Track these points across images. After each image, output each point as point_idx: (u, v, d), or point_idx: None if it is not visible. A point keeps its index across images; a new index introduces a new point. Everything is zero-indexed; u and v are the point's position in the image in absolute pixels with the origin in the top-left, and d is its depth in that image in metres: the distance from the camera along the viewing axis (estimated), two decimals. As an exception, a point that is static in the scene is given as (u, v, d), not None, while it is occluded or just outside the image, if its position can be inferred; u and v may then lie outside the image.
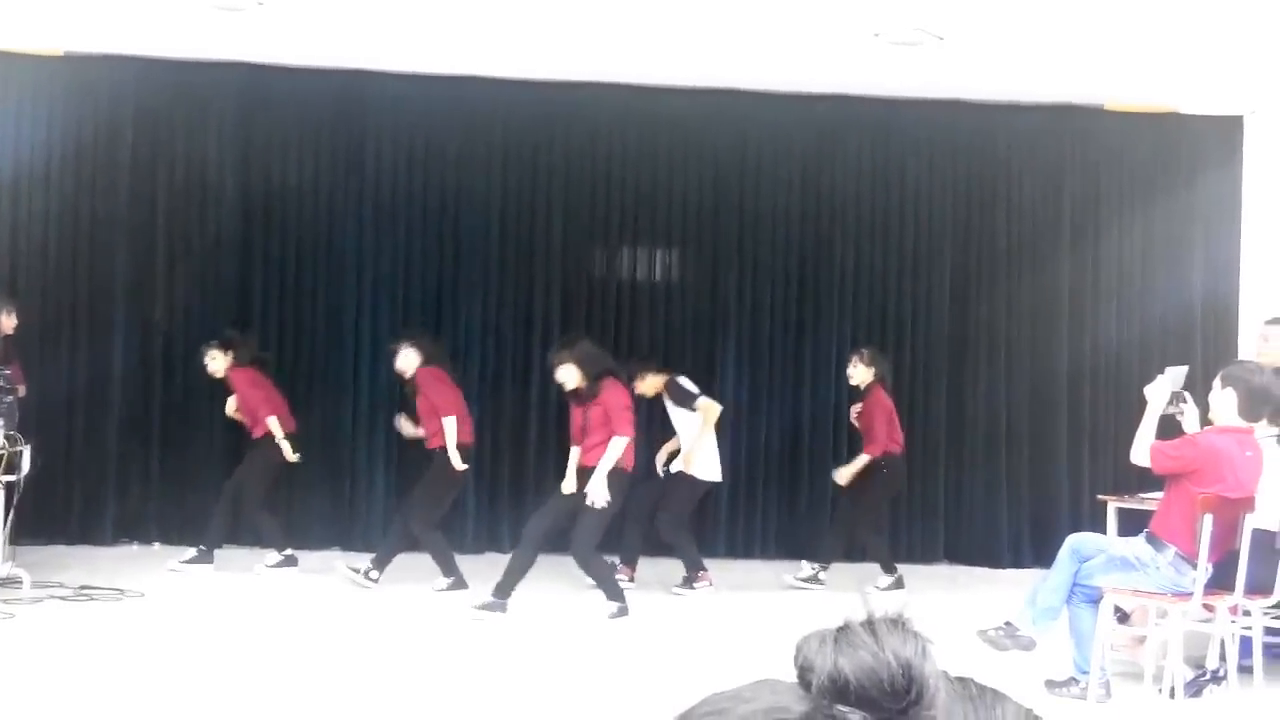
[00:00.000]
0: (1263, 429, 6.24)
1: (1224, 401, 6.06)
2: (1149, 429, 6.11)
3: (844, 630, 0.81)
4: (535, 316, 9.83)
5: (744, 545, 9.90)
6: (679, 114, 9.78)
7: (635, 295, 10.01)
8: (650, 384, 8.59)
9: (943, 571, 9.74)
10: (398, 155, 9.80)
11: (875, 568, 8.79)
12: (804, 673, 0.80)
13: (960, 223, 10.14)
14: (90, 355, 9.47)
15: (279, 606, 7.71)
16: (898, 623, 0.82)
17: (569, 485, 7.56)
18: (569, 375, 7.62)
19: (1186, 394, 6.36)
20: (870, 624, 0.81)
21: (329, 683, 5.99)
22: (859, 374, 8.76)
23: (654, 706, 5.23)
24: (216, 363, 8.68)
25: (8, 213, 9.46)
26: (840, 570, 8.85)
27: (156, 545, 9.33)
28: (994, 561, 9.89)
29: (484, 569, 8.15)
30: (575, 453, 7.69)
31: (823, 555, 8.90)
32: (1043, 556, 9.45)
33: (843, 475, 8.81)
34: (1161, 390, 6.19)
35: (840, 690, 0.78)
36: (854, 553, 9.04)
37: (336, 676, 6.11)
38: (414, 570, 8.29)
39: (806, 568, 8.86)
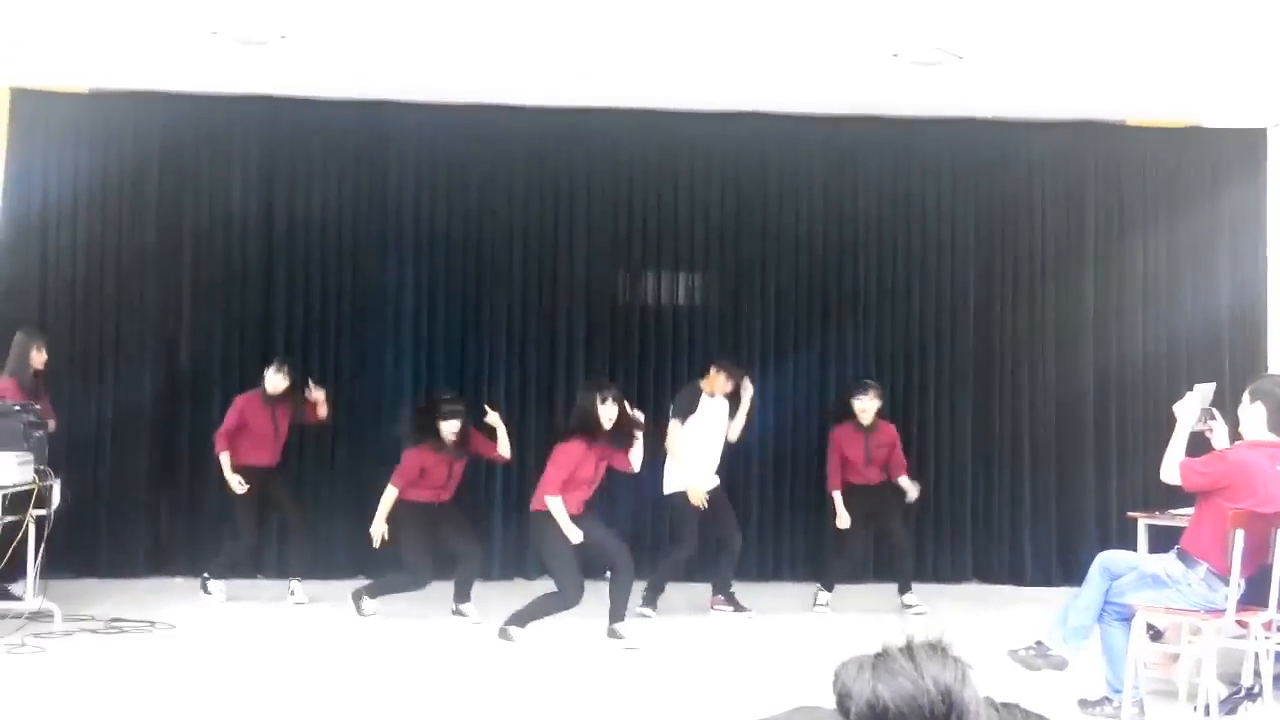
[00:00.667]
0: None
1: (1253, 416, 6.02)
2: (1179, 446, 6.07)
3: (882, 656, 0.81)
4: (559, 341, 9.85)
5: (774, 568, 9.87)
6: (700, 137, 9.81)
7: (659, 319, 10.01)
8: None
9: (972, 591, 9.68)
10: (420, 184, 9.86)
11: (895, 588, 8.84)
12: (843, 699, 0.80)
13: (983, 241, 10.12)
14: (119, 389, 9.53)
15: (309, 637, 7.72)
16: (937, 648, 0.82)
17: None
18: None
19: (1216, 411, 6.32)
20: (909, 650, 0.81)
21: (359, 713, 5.99)
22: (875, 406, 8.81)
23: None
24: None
25: (36, 248, 9.54)
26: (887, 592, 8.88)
27: (179, 580, 9.35)
28: (1022, 580, 9.84)
29: (512, 595, 8.20)
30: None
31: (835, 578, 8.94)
32: (1071, 574, 9.40)
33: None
34: (1191, 407, 6.15)
35: (879, 716, 0.78)
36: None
37: (367, 706, 6.11)
38: (438, 599, 8.30)
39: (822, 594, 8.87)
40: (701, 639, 7.84)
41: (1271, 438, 5.98)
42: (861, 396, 8.79)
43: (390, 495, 8.07)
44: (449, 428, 8.20)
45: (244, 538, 8.78)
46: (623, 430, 7.43)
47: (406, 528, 8.12)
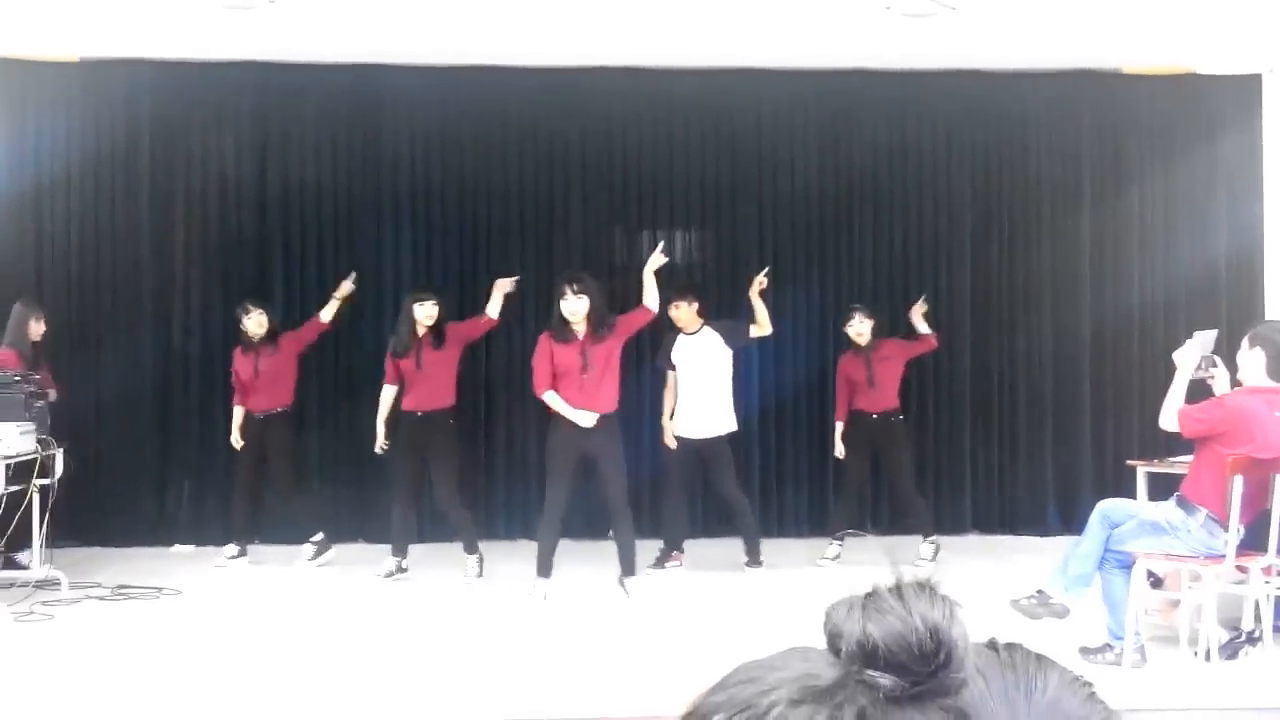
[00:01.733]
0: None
1: (1252, 361, 6.04)
2: (1178, 394, 6.09)
3: (872, 596, 0.82)
4: (555, 302, 9.83)
5: (777, 524, 9.92)
6: (693, 95, 9.77)
7: (656, 278, 9.98)
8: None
9: (973, 542, 9.73)
10: (414, 147, 9.83)
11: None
12: (833, 639, 0.82)
13: (980, 192, 10.11)
14: (118, 357, 9.55)
15: (315, 601, 7.77)
16: (925, 588, 0.83)
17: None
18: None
19: (1216, 358, 6.34)
20: (898, 590, 0.82)
21: (363, 676, 6.04)
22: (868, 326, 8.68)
23: (685, 681, 5.26)
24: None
25: (31, 219, 9.54)
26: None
27: (176, 547, 9.39)
28: (1020, 529, 9.90)
29: (521, 553, 8.27)
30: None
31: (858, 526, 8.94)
32: (1070, 523, 9.46)
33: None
34: (1190, 354, 6.17)
35: (869, 655, 0.79)
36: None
37: (371, 670, 6.16)
38: (448, 557, 8.35)
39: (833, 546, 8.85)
40: (710, 597, 7.89)
41: (1270, 384, 6.00)
42: (851, 323, 8.71)
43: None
44: (422, 312, 8.16)
45: (238, 491, 8.86)
46: (596, 318, 7.43)
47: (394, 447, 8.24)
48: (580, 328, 7.43)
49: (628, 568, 7.58)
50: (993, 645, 0.86)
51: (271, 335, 8.77)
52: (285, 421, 8.85)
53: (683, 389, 8.33)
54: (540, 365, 7.51)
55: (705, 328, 8.39)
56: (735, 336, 8.40)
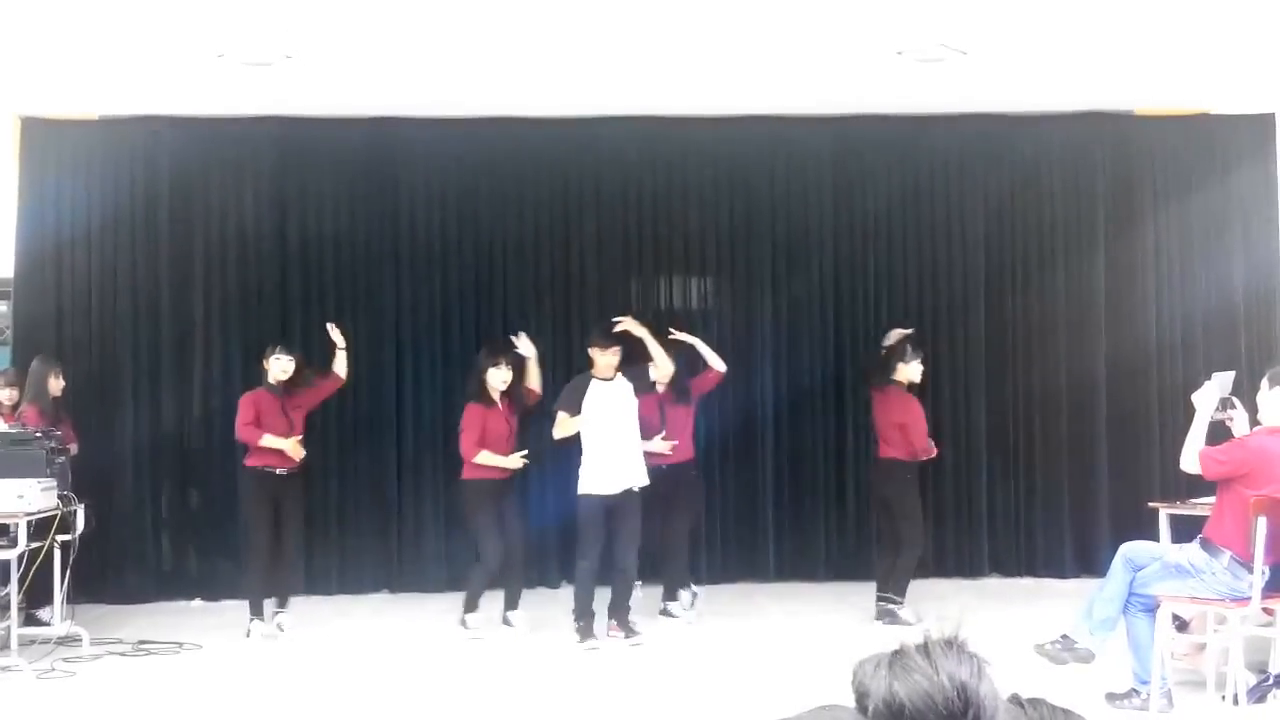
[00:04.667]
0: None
1: (1273, 402, 6.01)
2: (1198, 436, 6.06)
3: (899, 654, 0.82)
4: (575, 351, 9.84)
5: (791, 568, 9.87)
6: (706, 142, 9.82)
7: (673, 326, 10.00)
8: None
9: (993, 586, 9.65)
10: (430, 199, 9.89)
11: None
12: (861, 698, 0.81)
13: (994, 236, 10.10)
14: (139, 413, 9.57)
15: (336, 657, 7.74)
16: (953, 644, 0.83)
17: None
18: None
19: (1235, 399, 6.31)
20: (925, 647, 0.82)
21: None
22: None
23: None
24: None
25: (51, 276, 9.60)
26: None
27: (197, 601, 9.37)
28: (1038, 572, 9.84)
29: (532, 601, 8.20)
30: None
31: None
32: (1088, 565, 9.40)
33: None
34: (1209, 396, 6.14)
35: (896, 714, 0.79)
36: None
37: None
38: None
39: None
40: (730, 642, 7.84)
41: (1291, 423, 5.96)
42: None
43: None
44: (496, 376, 8.07)
45: (254, 558, 8.21)
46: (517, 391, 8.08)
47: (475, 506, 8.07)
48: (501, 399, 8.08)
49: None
50: (1017, 700, 0.86)
51: (295, 382, 8.32)
52: (302, 480, 8.42)
53: (600, 439, 7.71)
54: (474, 430, 8.01)
55: (619, 376, 7.89)
56: (640, 384, 7.96)
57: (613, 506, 7.64)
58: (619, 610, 7.82)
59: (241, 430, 8.15)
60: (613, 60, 8.28)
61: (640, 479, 7.71)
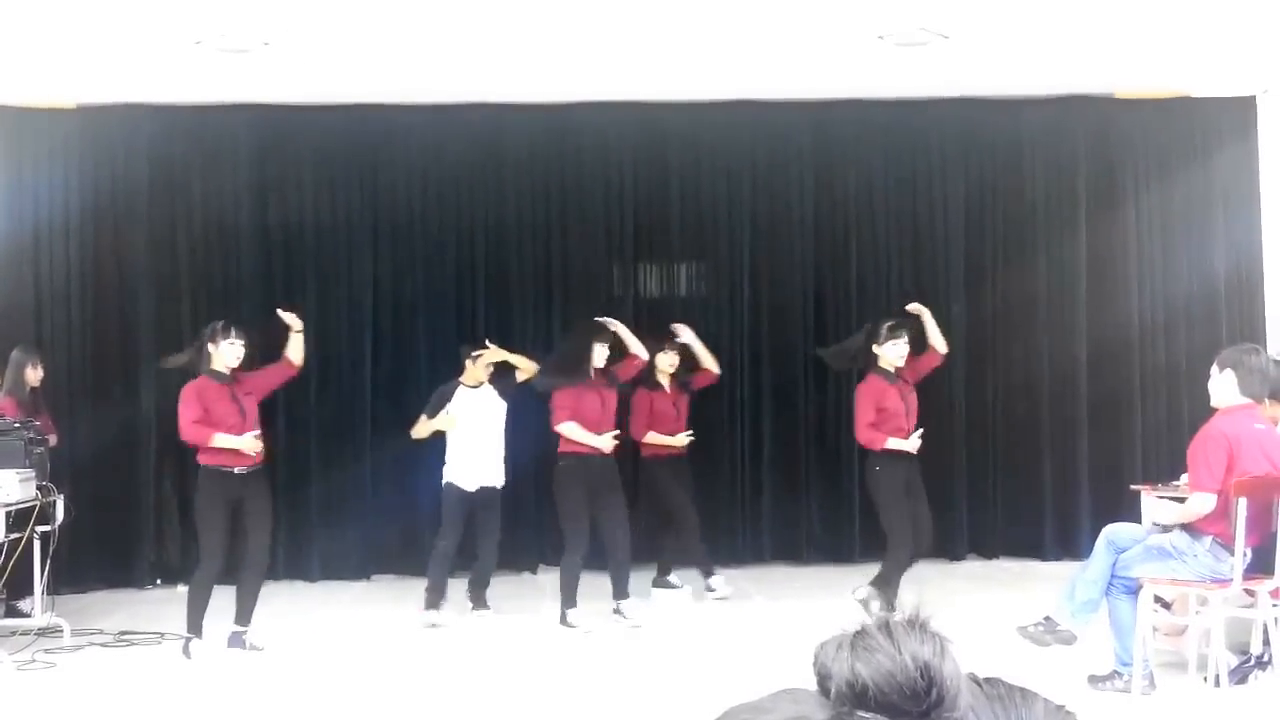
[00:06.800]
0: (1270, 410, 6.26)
1: (1225, 383, 6.02)
2: (1176, 511, 6.14)
3: (860, 634, 0.80)
4: (555, 338, 9.83)
5: (772, 550, 9.89)
6: (687, 128, 9.80)
7: (654, 311, 9.99)
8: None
9: (977, 569, 9.68)
10: (411, 185, 9.86)
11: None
12: (823, 680, 0.80)
13: (975, 219, 10.11)
14: (119, 402, 9.53)
15: (317, 645, 7.72)
16: (915, 624, 0.81)
17: None
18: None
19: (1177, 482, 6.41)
20: (887, 627, 0.81)
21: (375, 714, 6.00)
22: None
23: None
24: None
25: (30, 266, 9.54)
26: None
27: (179, 588, 9.33)
28: (1019, 554, 9.85)
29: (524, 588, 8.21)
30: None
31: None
32: (1068, 547, 9.44)
33: None
34: (1165, 511, 6.28)
35: (859, 695, 0.77)
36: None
37: (377, 713, 6.12)
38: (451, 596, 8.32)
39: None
40: (716, 624, 7.84)
41: (1243, 400, 5.98)
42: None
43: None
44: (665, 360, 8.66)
45: (208, 561, 7.14)
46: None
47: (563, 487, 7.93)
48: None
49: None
50: (974, 679, 0.85)
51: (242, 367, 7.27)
52: (266, 477, 7.50)
53: (466, 439, 8.08)
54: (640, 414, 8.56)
55: (485, 384, 8.20)
56: (505, 389, 8.23)
57: (472, 500, 8.09)
58: (478, 588, 8.26)
59: (187, 430, 7.04)
60: (593, 46, 8.25)
61: (497, 479, 8.17)
